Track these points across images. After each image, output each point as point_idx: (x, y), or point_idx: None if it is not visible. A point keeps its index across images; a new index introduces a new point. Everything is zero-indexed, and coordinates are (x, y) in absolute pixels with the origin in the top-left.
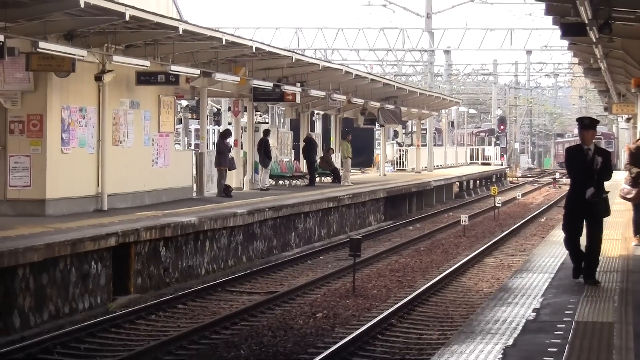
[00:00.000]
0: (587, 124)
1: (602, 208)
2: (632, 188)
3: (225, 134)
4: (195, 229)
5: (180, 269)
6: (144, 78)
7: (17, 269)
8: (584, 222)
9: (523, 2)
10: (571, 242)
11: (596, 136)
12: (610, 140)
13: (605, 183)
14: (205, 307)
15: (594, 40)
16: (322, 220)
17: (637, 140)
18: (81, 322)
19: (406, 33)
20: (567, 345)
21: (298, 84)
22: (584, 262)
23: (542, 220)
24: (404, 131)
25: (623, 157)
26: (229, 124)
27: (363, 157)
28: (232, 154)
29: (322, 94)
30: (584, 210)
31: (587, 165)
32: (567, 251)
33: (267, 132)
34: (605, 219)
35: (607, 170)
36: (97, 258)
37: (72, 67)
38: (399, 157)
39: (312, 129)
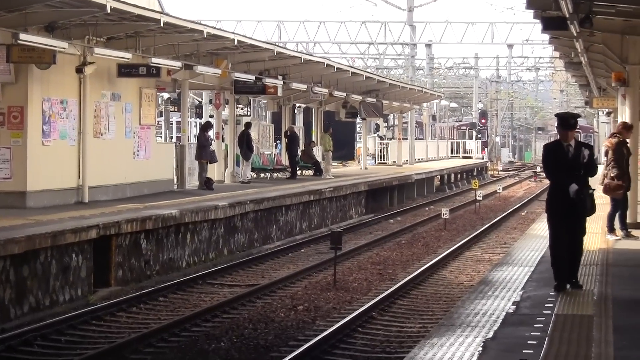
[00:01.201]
0: (572, 124)
1: (587, 206)
2: (618, 182)
3: (206, 126)
4: (176, 222)
5: (161, 262)
6: (125, 70)
7: None
8: (568, 222)
9: None
10: (557, 247)
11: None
12: (589, 134)
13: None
14: (186, 299)
15: (575, 35)
16: (303, 213)
17: (613, 135)
18: (62, 315)
19: (388, 26)
20: (547, 338)
21: (280, 77)
22: (568, 265)
23: (523, 213)
24: (385, 124)
25: (603, 151)
26: (211, 116)
27: (345, 150)
28: (214, 146)
29: (303, 87)
30: (569, 209)
31: (568, 162)
32: (550, 251)
33: (248, 125)
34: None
35: (594, 165)
36: (77, 250)
37: (53, 59)
38: (381, 150)
39: (294, 122)
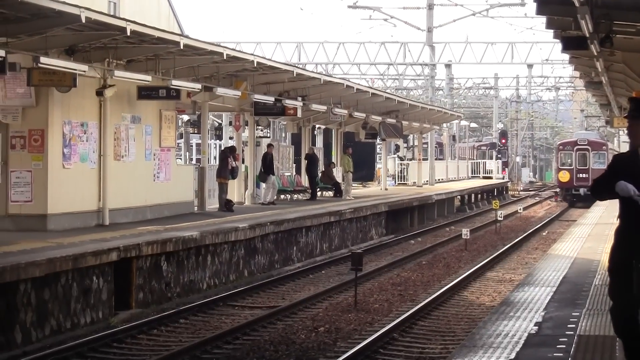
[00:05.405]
0: None
1: None
2: None
3: (231, 150)
4: (196, 244)
5: (181, 284)
6: (145, 93)
7: (19, 284)
8: None
9: (524, 16)
10: (623, 312)
11: (582, 145)
12: (601, 151)
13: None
14: (207, 321)
15: (595, 54)
16: (323, 234)
17: None
18: (83, 337)
19: (407, 47)
20: (569, 359)
21: (299, 98)
22: None
23: (544, 234)
24: (405, 145)
25: None
26: (231, 138)
27: (364, 171)
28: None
29: (323, 108)
30: None
31: None
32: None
33: (271, 146)
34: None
35: None
36: (98, 273)
37: (74, 82)
38: (401, 171)
39: (314, 143)
